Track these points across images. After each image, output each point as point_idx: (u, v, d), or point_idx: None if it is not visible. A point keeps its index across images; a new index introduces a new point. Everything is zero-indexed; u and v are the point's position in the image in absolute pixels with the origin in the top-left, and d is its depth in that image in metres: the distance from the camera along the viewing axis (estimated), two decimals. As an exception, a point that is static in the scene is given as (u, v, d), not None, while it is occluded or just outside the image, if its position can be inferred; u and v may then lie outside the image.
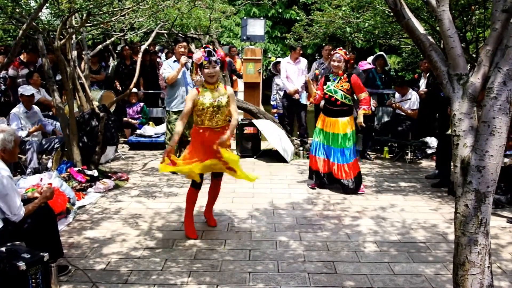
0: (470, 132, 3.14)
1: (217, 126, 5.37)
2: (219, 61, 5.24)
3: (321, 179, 7.36)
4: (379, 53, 11.31)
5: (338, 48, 7.37)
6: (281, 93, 10.69)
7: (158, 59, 12.20)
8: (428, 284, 4.34)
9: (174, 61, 8.11)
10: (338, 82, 7.14)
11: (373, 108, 9.58)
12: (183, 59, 7.91)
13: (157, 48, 14.09)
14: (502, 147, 3.02)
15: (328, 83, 7.25)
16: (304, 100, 10.21)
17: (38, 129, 7.82)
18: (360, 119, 7.03)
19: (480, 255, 3.13)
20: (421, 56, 10.74)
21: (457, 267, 3.24)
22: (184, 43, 8.17)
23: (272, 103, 11.77)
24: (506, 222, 5.99)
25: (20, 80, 9.26)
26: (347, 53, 7.38)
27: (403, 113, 9.60)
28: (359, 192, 7.16)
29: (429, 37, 3.48)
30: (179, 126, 5.50)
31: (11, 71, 9.36)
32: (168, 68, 8.05)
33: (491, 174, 3.04)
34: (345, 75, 7.16)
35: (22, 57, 9.57)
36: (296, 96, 10.14)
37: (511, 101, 3.00)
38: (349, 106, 7.17)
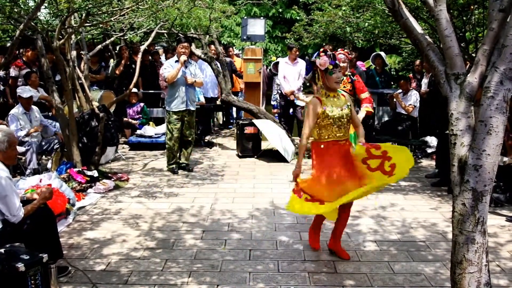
0: (467, 131, 3.15)
1: (343, 138, 4.82)
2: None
3: None
4: (377, 52, 11.32)
5: (339, 49, 7.31)
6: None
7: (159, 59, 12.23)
8: (427, 283, 4.35)
9: (176, 61, 8.12)
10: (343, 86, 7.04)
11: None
12: (183, 58, 7.92)
13: (157, 47, 14.11)
14: (499, 146, 3.03)
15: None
16: (298, 101, 10.21)
17: (37, 129, 7.81)
18: (362, 115, 6.95)
19: (478, 254, 3.14)
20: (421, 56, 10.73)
21: (454, 266, 3.25)
22: (186, 44, 8.18)
23: (273, 103, 11.78)
24: (505, 220, 5.99)
25: (21, 80, 9.27)
26: (349, 52, 7.37)
27: (403, 112, 9.60)
28: None
29: (427, 37, 3.48)
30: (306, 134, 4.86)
31: (13, 72, 9.37)
32: (169, 68, 8.06)
33: (488, 173, 3.05)
34: (348, 76, 7.10)
35: (24, 57, 9.58)
36: (292, 97, 10.15)
37: (508, 100, 3.01)
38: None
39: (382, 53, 11.46)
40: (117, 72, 11.23)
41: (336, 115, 4.70)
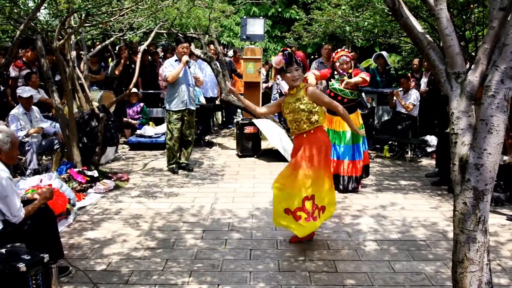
0: (468, 130, 3.14)
1: (304, 131, 5.04)
2: (301, 63, 4.96)
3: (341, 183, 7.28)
4: (378, 52, 11.31)
5: (340, 49, 7.37)
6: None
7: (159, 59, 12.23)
8: (428, 282, 4.35)
9: (176, 60, 8.12)
10: (345, 83, 7.13)
11: (368, 105, 9.61)
12: (185, 58, 7.92)
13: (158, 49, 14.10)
14: (500, 145, 3.03)
15: (333, 81, 7.23)
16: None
17: (37, 131, 7.81)
18: (348, 81, 7.01)
19: (479, 253, 3.14)
20: (420, 55, 10.75)
21: (456, 265, 3.25)
22: (186, 44, 8.18)
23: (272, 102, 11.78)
24: (506, 219, 5.99)
25: (21, 81, 9.26)
26: (349, 52, 7.41)
27: (403, 111, 9.60)
28: (357, 190, 7.23)
29: (427, 36, 3.48)
30: (262, 109, 5.43)
31: (13, 72, 9.37)
32: (170, 67, 8.06)
33: (489, 172, 3.04)
34: (348, 74, 7.17)
35: (24, 57, 9.57)
36: None
37: (509, 99, 3.00)
38: (355, 102, 7.22)
39: (385, 53, 11.44)
40: (116, 72, 11.23)
41: (291, 112, 5.01)
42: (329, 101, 5.05)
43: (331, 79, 7.26)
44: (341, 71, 7.16)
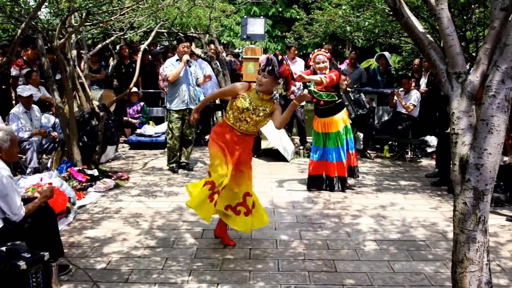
0: (469, 130, 3.15)
1: (242, 132, 4.98)
2: (278, 75, 4.75)
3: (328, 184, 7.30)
4: (381, 52, 11.31)
5: (316, 50, 7.27)
6: None
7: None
8: (427, 282, 4.35)
9: (177, 60, 8.13)
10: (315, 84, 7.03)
11: (367, 105, 9.61)
12: (186, 57, 7.92)
13: (159, 47, 14.09)
14: (500, 145, 3.03)
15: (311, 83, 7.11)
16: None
17: (41, 133, 7.81)
18: (302, 75, 6.72)
19: (479, 253, 3.14)
20: (421, 55, 10.76)
21: (455, 265, 3.25)
22: (187, 43, 8.18)
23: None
24: (506, 220, 5.99)
25: (22, 80, 9.27)
26: (327, 51, 7.27)
27: (403, 112, 9.60)
28: (342, 191, 7.22)
29: (428, 36, 3.48)
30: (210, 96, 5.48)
31: (14, 71, 9.37)
32: (170, 66, 8.07)
33: (489, 172, 3.05)
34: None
35: (24, 56, 9.57)
36: (292, 96, 10.15)
37: (510, 99, 3.01)
38: (334, 103, 7.06)
39: (387, 53, 11.43)
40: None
41: (244, 109, 4.83)
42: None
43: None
44: (318, 72, 6.96)
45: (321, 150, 7.19)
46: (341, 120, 7.10)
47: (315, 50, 7.24)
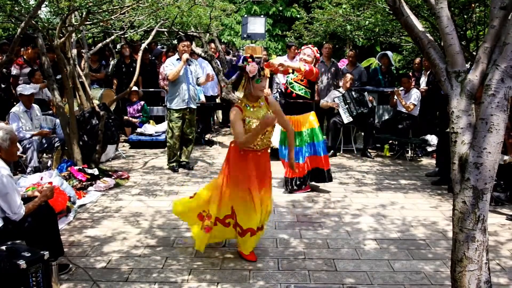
0: (468, 129, 3.14)
1: (261, 148, 4.75)
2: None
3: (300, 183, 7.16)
4: (384, 52, 11.30)
5: (310, 45, 7.19)
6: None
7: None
8: (427, 281, 4.36)
9: (177, 59, 8.12)
10: (296, 76, 6.93)
11: (370, 104, 9.61)
12: (185, 56, 7.92)
13: (159, 47, 14.10)
14: (499, 144, 3.03)
15: (291, 75, 7.00)
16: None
17: (43, 134, 7.82)
18: (282, 63, 6.72)
19: (478, 252, 3.14)
20: (421, 54, 10.78)
21: (455, 264, 3.25)
22: (187, 42, 8.18)
23: None
24: (506, 219, 6.00)
25: (22, 79, 9.26)
26: (318, 52, 7.14)
27: (403, 111, 9.60)
28: (297, 192, 7.10)
29: (428, 35, 3.48)
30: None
31: (14, 70, 9.37)
32: (171, 66, 8.06)
33: (488, 171, 3.05)
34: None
35: (24, 55, 9.57)
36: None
37: (509, 98, 3.01)
38: (306, 101, 6.98)
39: (389, 53, 11.42)
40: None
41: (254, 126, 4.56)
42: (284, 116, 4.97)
43: (291, 74, 7.01)
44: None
45: (296, 150, 6.98)
46: (308, 121, 6.98)
47: (309, 46, 7.16)
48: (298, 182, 7.11)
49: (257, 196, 4.63)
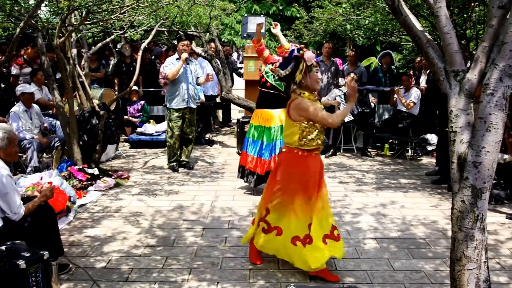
0: (467, 128, 3.15)
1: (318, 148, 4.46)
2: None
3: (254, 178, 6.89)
4: (386, 51, 11.28)
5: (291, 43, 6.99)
6: None
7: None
8: (427, 280, 4.36)
9: (177, 58, 8.12)
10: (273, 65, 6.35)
11: (372, 105, 9.61)
12: (184, 55, 7.92)
13: (160, 46, 14.10)
14: (498, 143, 3.03)
15: (268, 66, 6.69)
16: None
17: (43, 143, 7.83)
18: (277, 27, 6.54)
19: (477, 250, 3.14)
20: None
21: (454, 262, 3.25)
22: (187, 42, 8.17)
23: None
24: (506, 218, 6.00)
25: (22, 78, 9.26)
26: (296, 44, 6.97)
27: (403, 110, 9.59)
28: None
29: (426, 34, 3.49)
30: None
31: (14, 70, 9.37)
32: (170, 65, 8.06)
33: (487, 169, 3.05)
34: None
35: (24, 55, 9.58)
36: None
37: (507, 97, 3.01)
38: (279, 93, 6.71)
39: (391, 52, 11.40)
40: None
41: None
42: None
43: (268, 65, 6.70)
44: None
45: (258, 145, 6.75)
46: (278, 117, 6.71)
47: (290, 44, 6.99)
48: (255, 177, 6.82)
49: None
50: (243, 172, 6.97)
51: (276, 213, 4.44)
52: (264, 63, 6.76)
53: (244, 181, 7.00)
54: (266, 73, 6.74)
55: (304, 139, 4.31)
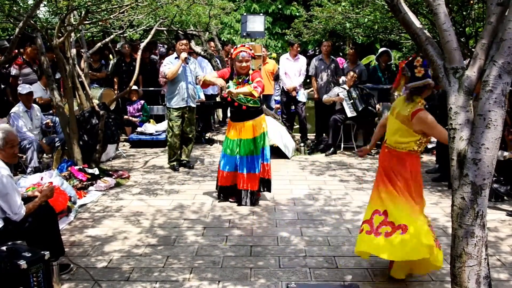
0: (466, 125, 3.15)
1: None
2: None
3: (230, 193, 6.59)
4: (384, 49, 11.29)
5: (239, 45, 6.36)
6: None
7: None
8: (427, 277, 4.37)
9: (176, 57, 8.12)
10: (240, 84, 6.21)
11: (375, 109, 9.63)
12: (183, 55, 7.92)
13: (160, 46, 14.10)
14: (497, 139, 3.03)
15: (230, 83, 6.27)
16: (301, 97, 10.24)
17: (47, 150, 7.84)
18: (231, 91, 6.04)
19: (477, 247, 3.15)
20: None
21: (454, 259, 3.26)
22: (185, 41, 8.17)
23: (275, 98, 11.78)
24: (506, 215, 6.00)
25: (22, 79, 9.26)
26: (251, 49, 6.33)
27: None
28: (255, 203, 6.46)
29: (425, 31, 3.48)
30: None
31: (13, 70, 9.37)
32: (169, 64, 8.06)
33: (487, 166, 3.05)
34: (249, 77, 6.24)
35: (24, 55, 9.57)
36: (294, 93, 10.16)
37: (507, 94, 3.01)
38: (256, 108, 6.32)
39: (389, 50, 11.38)
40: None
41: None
42: None
43: (229, 80, 6.32)
44: (239, 71, 6.23)
45: (234, 159, 6.36)
46: (259, 125, 6.34)
47: (238, 46, 6.34)
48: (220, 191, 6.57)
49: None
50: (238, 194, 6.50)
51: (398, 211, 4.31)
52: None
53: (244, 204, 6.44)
54: (239, 99, 6.18)
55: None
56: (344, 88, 9.61)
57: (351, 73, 9.70)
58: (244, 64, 6.15)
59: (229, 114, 6.73)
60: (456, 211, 3.21)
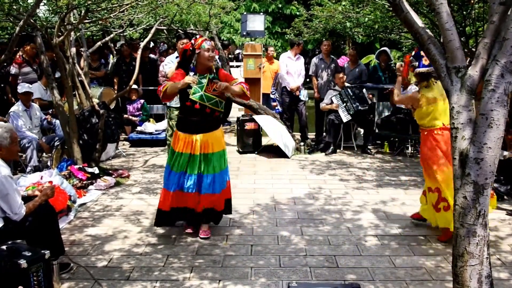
0: (468, 124, 3.15)
1: None
2: None
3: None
4: (382, 48, 11.30)
5: (198, 36, 5.37)
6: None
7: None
8: (428, 276, 4.36)
9: (176, 57, 8.11)
10: (208, 85, 5.04)
11: (369, 101, 9.61)
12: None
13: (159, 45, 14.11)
14: (500, 139, 3.03)
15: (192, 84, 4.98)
16: (303, 96, 10.24)
17: (46, 148, 7.83)
18: (228, 86, 4.95)
19: (479, 246, 3.14)
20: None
21: (456, 259, 3.25)
22: (186, 40, 8.16)
23: (272, 96, 11.76)
24: (506, 214, 6.00)
25: (21, 78, 9.25)
26: (214, 45, 5.65)
27: (403, 107, 9.57)
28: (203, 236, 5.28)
29: (427, 30, 3.48)
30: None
31: (13, 69, 9.36)
32: (170, 64, 8.05)
33: (489, 166, 3.05)
34: (215, 75, 5.16)
35: (23, 54, 9.56)
36: (297, 92, 10.16)
37: (509, 93, 3.01)
38: (217, 115, 5.22)
39: (387, 49, 11.39)
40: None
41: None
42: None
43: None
44: (207, 63, 5.09)
45: (182, 177, 5.17)
46: (218, 138, 5.27)
47: (197, 36, 5.26)
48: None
49: None
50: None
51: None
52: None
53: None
54: (210, 99, 5.04)
55: None
56: (336, 90, 9.64)
57: (340, 74, 9.75)
58: (211, 53, 5.05)
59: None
60: (458, 210, 3.21)
